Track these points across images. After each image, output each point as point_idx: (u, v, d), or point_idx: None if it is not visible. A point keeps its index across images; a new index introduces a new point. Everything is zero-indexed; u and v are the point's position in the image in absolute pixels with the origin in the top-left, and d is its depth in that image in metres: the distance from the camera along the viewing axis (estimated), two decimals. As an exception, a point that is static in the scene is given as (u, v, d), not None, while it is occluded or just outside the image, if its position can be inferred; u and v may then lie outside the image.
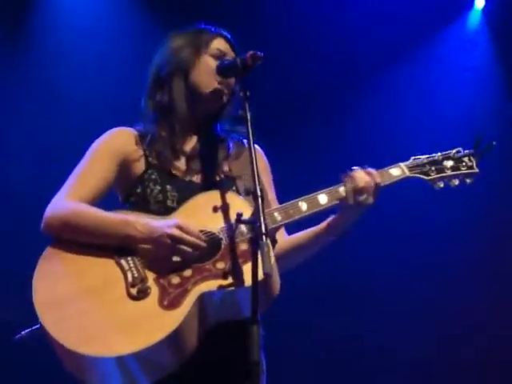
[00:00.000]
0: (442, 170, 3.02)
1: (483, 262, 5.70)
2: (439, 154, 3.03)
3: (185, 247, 2.71)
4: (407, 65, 5.92)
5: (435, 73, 5.94)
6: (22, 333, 2.76)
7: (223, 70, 2.92)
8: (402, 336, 5.60)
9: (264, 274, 2.40)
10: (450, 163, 3.02)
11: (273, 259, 2.65)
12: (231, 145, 3.06)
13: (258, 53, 2.77)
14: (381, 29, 5.78)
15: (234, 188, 2.95)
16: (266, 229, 2.44)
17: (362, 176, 2.88)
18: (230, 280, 2.66)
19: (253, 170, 2.58)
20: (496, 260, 5.72)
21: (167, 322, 2.61)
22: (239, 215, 2.61)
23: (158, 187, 2.93)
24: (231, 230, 2.73)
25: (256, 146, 3.07)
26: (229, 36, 3.10)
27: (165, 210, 2.88)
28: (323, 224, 2.97)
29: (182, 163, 3.01)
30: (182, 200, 2.89)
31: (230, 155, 3.03)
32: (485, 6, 6.00)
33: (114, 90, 5.55)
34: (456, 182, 3.03)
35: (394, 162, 2.79)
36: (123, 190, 3.00)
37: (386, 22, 5.80)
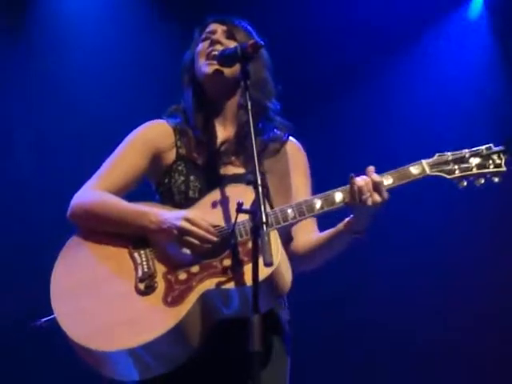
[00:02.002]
0: (467, 168, 2.86)
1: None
2: (467, 150, 2.88)
3: (192, 239, 2.72)
4: (406, 55, 5.88)
5: (436, 63, 5.91)
6: (42, 320, 2.83)
7: (223, 59, 2.91)
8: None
9: (265, 264, 2.40)
10: (476, 161, 2.86)
11: (280, 253, 2.65)
12: (267, 140, 3.05)
13: (259, 41, 2.81)
14: (381, 19, 5.75)
15: None
16: (266, 218, 2.44)
17: (360, 177, 2.83)
18: (232, 278, 2.66)
19: (253, 159, 2.58)
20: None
21: (168, 318, 2.64)
22: (240, 204, 2.60)
23: (182, 178, 2.97)
24: (245, 227, 2.72)
25: (293, 139, 3.14)
26: (226, 19, 3.11)
27: (186, 201, 2.91)
28: (342, 223, 2.93)
29: (211, 155, 3.02)
30: (204, 191, 2.91)
31: (264, 150, 3.01)
32: (486, -4, 5.98)
33: (116, 87, 5.55)
34: (482, 180, 2.86)
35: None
36: (155, 181, 3.05)
37: (387, 12, 5.76)
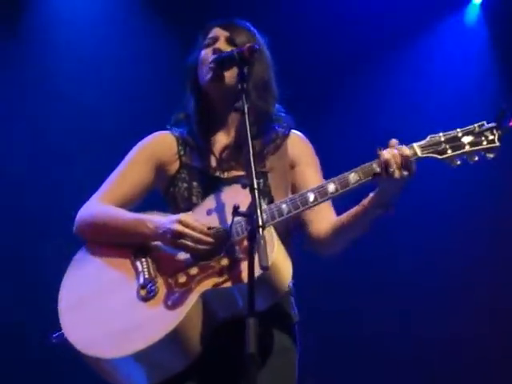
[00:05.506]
0: (459, 146, 2.78)
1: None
2: (459, 129, 2.81)
3: (187, 242, 2.75)
4: (402, 61, 5.91)
5: (433, 67, 5.93)
6: (53, 336, 2.90)
7: (220, 62, 2.94)
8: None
9: (261, 267, 2.41)
10: (469, 139, 2.78)
11: (275, 253, 2.67)
12: (267, 141, 3.06)
13: (256, 46, 2.84)
14: (374, 24, 5.77)
15: (261, 182, 2.96)
16: (262, 221, 2.46)
17: (387, 151, 2.78)
18: (230, 277, 2.70)
19: (249, 162, 2.60)
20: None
21: (169, 320, 2.69)
22: (236, 208, 2.64)
23: (185, 185, 3.02)
24: (241, 226, 2.75)
25: (296, 132, 3.15)
26: (228, 23, 3.11)
27: (189, 207, 2.95)
28: (367, 199, 2.87)
29: (213, 160, 3.06)
30: (205, 196, 2.95)
31: (266, 149, 3.04)
32: (483, 0, 5.98)
33: (110, 88, 5.55)
34: (475, 157, 2.78)
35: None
36: (162, 191, 3.11)
37: (381, 16, 5.78)
